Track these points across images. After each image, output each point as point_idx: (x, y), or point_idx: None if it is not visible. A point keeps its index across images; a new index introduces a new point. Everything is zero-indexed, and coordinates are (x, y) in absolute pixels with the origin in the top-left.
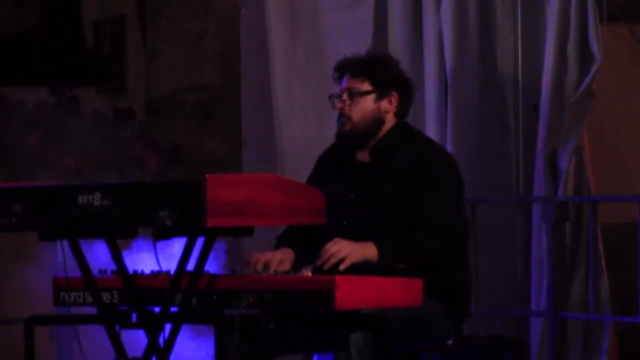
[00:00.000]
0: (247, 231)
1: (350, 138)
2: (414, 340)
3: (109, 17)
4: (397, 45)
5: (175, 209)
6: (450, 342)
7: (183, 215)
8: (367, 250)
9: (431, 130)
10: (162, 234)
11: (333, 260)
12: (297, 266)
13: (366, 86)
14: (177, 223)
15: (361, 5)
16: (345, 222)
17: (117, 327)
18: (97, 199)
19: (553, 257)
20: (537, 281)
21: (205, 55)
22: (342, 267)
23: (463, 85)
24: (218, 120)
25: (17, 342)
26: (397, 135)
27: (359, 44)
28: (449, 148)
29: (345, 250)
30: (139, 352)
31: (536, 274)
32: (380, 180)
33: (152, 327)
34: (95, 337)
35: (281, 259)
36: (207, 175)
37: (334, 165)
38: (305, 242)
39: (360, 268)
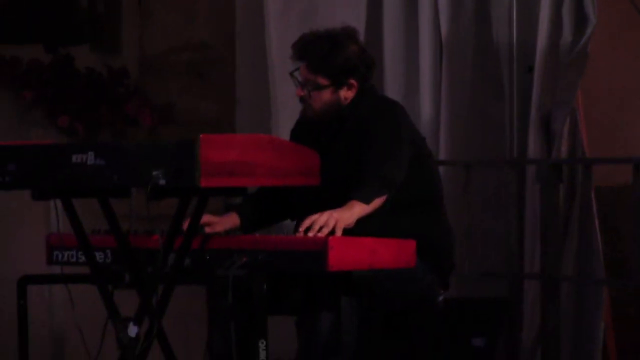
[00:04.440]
0: (241, 191)
1: (314, 121)
2: (402, 298)
3: None
4: (391, 8)
5: (168, 169)
6: (440, 298)
7: (176, 175)
8: (354, 209)
9: (426, 94)
10: (156, 194)
11: (325, 231)
12: (244, 230)
13: (323, 80)
14: (170, 183)
15: None
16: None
17: (110, 287)
18: (90, 158)
19: (546, 219)
20: (531, 243)
21: (199, 14)
22: (337, 234)
23: (458, 48)
24: (211, 80)
25: (10, 302)
26: (357, 100)
27: (353, 6)
28: (443, 111)
29: (333, 218)
30: (132, 313)
31: (529, 236)
32: (342, 148)
33: (145, 288)
34: (88, 296)
35: (211, 220)
36: (200, 136)
37: (304, 138)
38: (269, 208)
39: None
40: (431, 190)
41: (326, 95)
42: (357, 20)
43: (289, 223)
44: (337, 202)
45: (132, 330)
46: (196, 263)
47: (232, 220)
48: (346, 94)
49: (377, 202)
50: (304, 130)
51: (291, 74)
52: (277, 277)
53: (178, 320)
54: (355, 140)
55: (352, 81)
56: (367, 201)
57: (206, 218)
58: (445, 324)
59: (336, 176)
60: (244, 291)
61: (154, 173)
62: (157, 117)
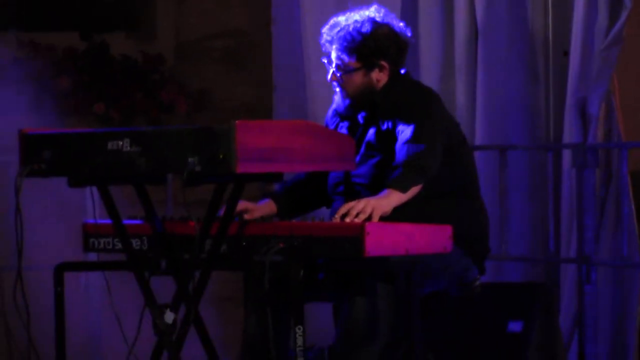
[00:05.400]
0: (276, 177)
1: (346, 106)
2: (439, 283)
3: None
4: None
5: (204, 155)
6: (477, 283)
7: (212, 161)
8: (391, 197)
9: (461, 79)
10: (192, 181)
11: (362, 217)
12: (280, 217)
13: (354, 62)
14: (206, 169)
15: None
16: (350, 180)
17: (147, 274)
18: (126, 145)
19: (582, 204)
20: (567, 228)
21: (235, 0)
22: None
23: (493, 32)
24: (247, 66)
25: (47, 289)
26: (390, 86)
27: None
28: (479, 95)
29: (370, 205)
30: (168, 299)
31: (566, 221)
32: (376, 135)
33: (181, 274)
34: (124, 283)
35: (249, 207)
36: (236, 122)
37: (337, 124)
38: (306, 195)
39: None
40: (465, 176)
41: (358, 78)
42: (392, 5)
43: (325, 210)
44: (371, 189)
45: (169, 317)
46: (232, 249)
47: (269, 207)
48: (378, 77)
49: (414, 191)
50: (337, 117)
51: (324, 58)
52: (313, 263)
53: (215, 306)
54: (388, 127)
55: (383, 63)
56: (403, 190)
57: (243, 205)
58: (482, 309)
59: (370, 162)
60: (280, 277)
61: (190, 159)
62: (192, 103)
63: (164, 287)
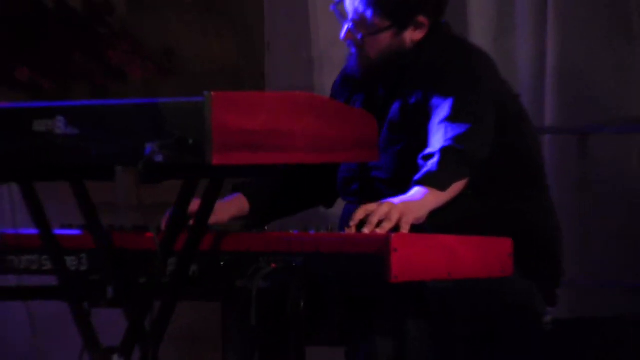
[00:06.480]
0: (270, 171)
1: (365, 74)
2: (493, 319)
3: None
4: None
5: (168, 139)
6: (546, 318)
7: (179, 148)
8: (425, 198)
9: (525, 37)
10: (150, 175)
11: (387, 227)
12: (254, 219)
13: (381, 21)
14: (170, 160)
15: None
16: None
17: (87, 305)
18: (59, 125)
19: None
20: None
21: None
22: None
23: None
24: (229, 16)
25: None
26: (423, 44)
27: None
28: (550, 60)
29: (397, 210)
30: (117, 339)
31: None
32: (402, 110)
33: (135, 305)
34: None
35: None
36: (212, 93)
37: (350, 96)
38: (291, 189)
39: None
40: (526, 166)
41: (385, 39)
42: None
43: (332, 216)
44: (394, 186)
45: None
46: (206, 270)
47: (237, 205)
48: (413, 36)
49: (457, 188)
50: (349, 85)
51: (334, 7)
52: (319, 290)
53: (181, 349)
54: (418, 100)
55: (422, 19)
56: (442, 187)
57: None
58: (554, 353)
59: (394, 149)
60: (272, 309)
61: (148, 146)
62: (152, 67)
63: (111, 322)
